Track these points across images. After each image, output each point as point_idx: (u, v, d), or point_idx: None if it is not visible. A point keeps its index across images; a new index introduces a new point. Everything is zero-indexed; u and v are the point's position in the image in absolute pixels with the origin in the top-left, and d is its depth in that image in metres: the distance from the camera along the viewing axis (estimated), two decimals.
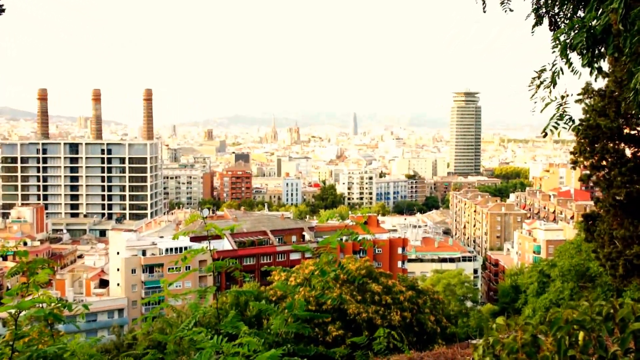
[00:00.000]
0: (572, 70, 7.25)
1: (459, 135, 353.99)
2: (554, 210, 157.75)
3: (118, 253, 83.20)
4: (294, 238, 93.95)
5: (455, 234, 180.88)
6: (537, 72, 7.66)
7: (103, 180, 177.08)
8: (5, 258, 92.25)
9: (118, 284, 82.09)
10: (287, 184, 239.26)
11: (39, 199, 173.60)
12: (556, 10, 8.29)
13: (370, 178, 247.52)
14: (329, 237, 6.40)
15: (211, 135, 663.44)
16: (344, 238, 7.01)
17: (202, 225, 7.61)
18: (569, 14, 8.22)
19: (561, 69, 7.27)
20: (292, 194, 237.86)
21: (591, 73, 7.22)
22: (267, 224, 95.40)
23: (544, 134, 7.94)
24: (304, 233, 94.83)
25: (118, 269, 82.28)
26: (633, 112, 18.51)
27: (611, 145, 19.68)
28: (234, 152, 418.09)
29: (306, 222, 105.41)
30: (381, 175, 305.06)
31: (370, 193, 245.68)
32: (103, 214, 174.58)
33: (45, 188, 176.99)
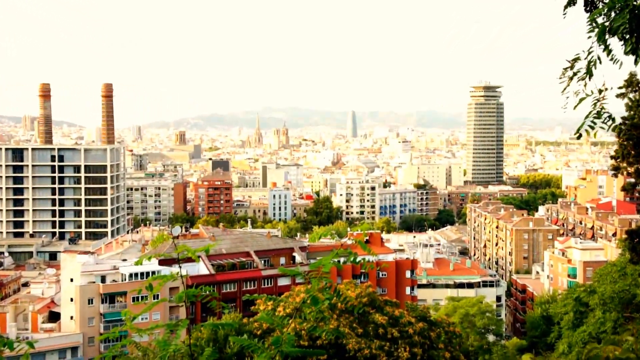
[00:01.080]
0: (612, 59, 7.16)
1: (478, 137, 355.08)
2: (592, 226, 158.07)
3: (72, 280, 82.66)
4: (282, 260, 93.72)
5: (474, 255, 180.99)
6: (569, 61, 7.59)
7: (53, 193, 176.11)
8: None
9: (71, 317, 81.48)
10: (274, 196, 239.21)
11: None
12: None
13: (373, 188, 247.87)
14: (324, 259, 6.35)
15: (184, 138, 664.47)
16: (342, 260, 6.96)
17: (173, 246, 7.58)
18: None
19: (599, 58, 7.17)
20: (280, 208, 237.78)
21: (636, 62, 7.13)
22: (250, 243, 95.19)
23: (578, 135, 7.86)
24: (294, 254, 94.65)
25: (72, 299, 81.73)
26: None
27: None
28: (211, 159, 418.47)
29: (297, 241, 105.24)
30: (385, 184, 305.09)
31: (373, 206, 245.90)
32: (53, 233, 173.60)
33: None
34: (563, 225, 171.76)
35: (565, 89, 7.74)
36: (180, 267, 6.79)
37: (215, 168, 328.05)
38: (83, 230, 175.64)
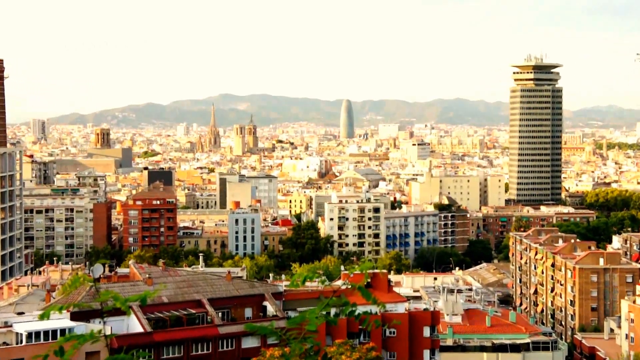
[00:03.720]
0: None
1: (526, 138, 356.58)
2: None
3: None
4: (248, 312, 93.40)
5: (521, 304, 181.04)
6: None
7: None
8: None
9: None
10: (236, 221, 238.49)
11: None
12: None
13: (376, 210, 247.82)
14: (308, 312, 6.34)
15: (108, 138, 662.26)
16: (333, 312, 6.99)
17: (93, 292, 7.57)
18: None
19: None
20: (245, 238, 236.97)
21: None
22: (203, 288, 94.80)
23: None
24: (265, 303, 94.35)
25: None
26: None
27: None
28: (146, 168, 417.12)
29: (269, 285, 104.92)
30: (394, 205, 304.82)
31: (377, 235, 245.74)
32: None
33: None
34: None
35: None
36: (103, 322, 6.81)
37: (153, 181, 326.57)
38: None
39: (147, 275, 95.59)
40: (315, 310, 6.60)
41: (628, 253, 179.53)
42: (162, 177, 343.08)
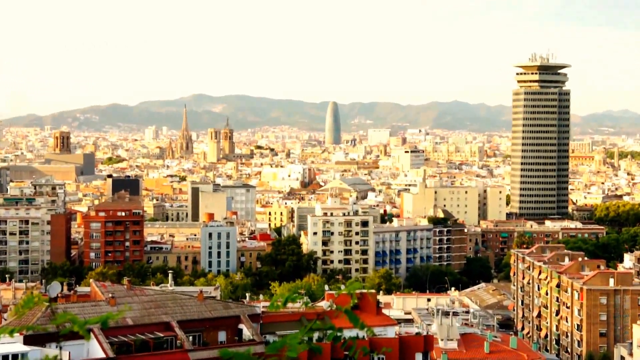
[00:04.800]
0: None
1: (529, 145, 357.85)
2: None
3: None
4: (222, 336, 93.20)
5: (523, 328, 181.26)
6: None
7: None
8: None
9: None
10: (209, 235, 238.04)
11: None
12: None
13: (365, 224, 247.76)
14: (289, 337, 6.31)
15: (67, 142, 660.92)
16: (316, 336, 6.95)
17: (49, 314, 7.52)
18: None
19: None
20: (219, 254, 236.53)
21: None
22: (172, 309, 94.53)
23: None
24: (240, 326, 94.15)
25: None
26: None
27: None
28: (110, 175, 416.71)
29: (245, 306, 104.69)
30: (385, 218, 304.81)
31: (365, 252, 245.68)
32: None
33: None
34: None
35: None
36: (60, 347, 6.75)
37: (117, 190, 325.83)
38: None
39: (110, 295, 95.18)
40: (297, 335, 6.56)
41: None
42: (127, 186, 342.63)
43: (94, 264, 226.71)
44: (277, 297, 8.71)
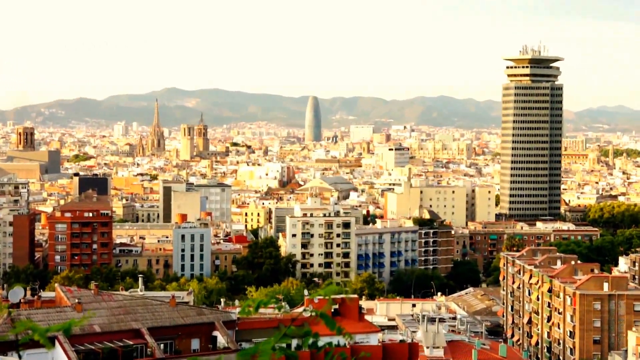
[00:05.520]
0: None
1: (520, 142, 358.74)
2: None
3: None
4: (195, 343, 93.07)
5: (513, 335, 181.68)
6: None
7: None
8: None
9: None
10: (182, 237, 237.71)
11: None
12: None
13: (347, 225, 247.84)
14: (263, 343, 6.28)
15: (31, 139, 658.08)
16: (293, 344, 6.94)
17: (9, 321, 7.47)
18: None
19: None
20: (192, 257, 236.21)
21: None
22: (142, 315, 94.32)
23: None
24: (215, 333, 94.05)
25: None
26: None
27: None
28: (77, 174, 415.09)
29: (220, 312, 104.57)
30: (367, 219, 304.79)
31: (347, 254, 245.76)
32: None
33: None
34: None
35: None
36: (19, 356, 6.72)
37: (84, 190, 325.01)
38: None
39: (77, 300, 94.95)
40: (270, 341, 6.54)
41: (636, 277, 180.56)
42: (95, 185, 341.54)
43: (59, 267, 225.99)
44: (248, 302, 8.66)
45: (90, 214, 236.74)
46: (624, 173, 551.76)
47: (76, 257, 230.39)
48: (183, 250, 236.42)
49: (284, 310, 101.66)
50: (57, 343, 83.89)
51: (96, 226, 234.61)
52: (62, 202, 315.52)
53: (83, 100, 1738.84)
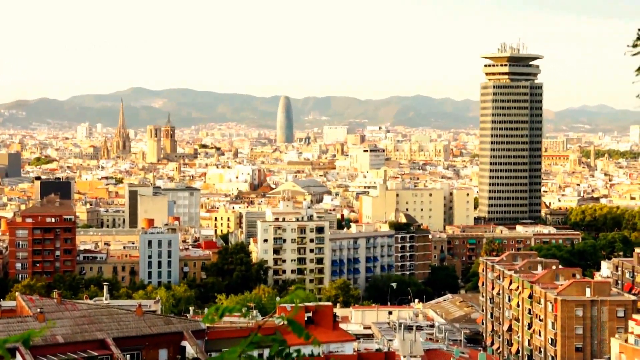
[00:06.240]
0: None
1: (499, 143, 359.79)
2: None
3: None
4: (163, 354, 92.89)
5: (493, 343, 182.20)
6: None
7: None
8: None
9: None
10: (149, 243, 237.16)
11: None
12: None
13: (320, 230, 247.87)
14: (226, 352, 6.27)
15: None
16: (265, 354, 6.95)
17: None
18: None
19: None
20: (159, 264, 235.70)
21: None
22: (107, 325, 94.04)
23: None
24: (183, 343, 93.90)
25: None
26: None
27: None
28: (39, 177, 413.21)
29: (189, 321, 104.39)
30: (342, 224, 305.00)
31: (320, 260, 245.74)
32: None
33: None
34: None
35: None
36: None
37: (46, 194, 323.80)
38: None
39: (39, 310, 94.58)
40: (236, 350, 6.56)
41: (619, 282, 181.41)
42: (58, 189, 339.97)
43: (20, 275, 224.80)
44: (212, 308, 8.62)
45: (53, 220, 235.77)
46: (605, 174, 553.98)
47: (38, 265, 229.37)
48: (150, 256, 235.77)
49: (254, 318, 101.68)
50: (17, 354, 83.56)
51: (59, 232, 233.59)
52: (23, 207, 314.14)
53: (45, 100, 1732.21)
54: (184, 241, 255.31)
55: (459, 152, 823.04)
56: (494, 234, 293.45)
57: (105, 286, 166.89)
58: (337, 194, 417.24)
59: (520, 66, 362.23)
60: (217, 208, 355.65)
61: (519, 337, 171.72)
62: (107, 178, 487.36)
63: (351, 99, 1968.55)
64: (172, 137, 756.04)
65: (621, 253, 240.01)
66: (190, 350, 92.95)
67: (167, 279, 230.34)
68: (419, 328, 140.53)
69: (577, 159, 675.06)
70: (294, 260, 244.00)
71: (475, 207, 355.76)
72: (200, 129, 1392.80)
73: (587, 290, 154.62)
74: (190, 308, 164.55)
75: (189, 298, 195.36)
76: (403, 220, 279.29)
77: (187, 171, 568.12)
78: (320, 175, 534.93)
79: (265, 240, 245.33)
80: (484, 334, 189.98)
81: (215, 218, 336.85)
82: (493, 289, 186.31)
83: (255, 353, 7.79)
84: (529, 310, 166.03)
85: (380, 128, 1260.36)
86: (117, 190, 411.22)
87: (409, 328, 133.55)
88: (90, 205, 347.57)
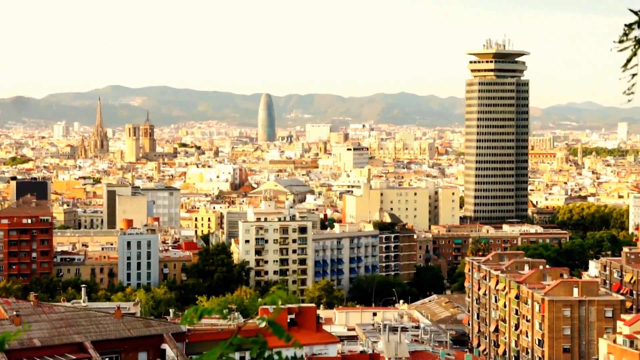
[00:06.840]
0: None
1: (484, 141, 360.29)
2: None
3: None
4: (142, 357, 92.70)
5: (479, 345, 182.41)
6: (636, 12, 7.71)
7: None
8: None
9: None
10: (128, 244, 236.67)
11: None
12: None
13: (303, 230, 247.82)
14: (205, 354, 6.24)
15: None
16: (247, 357, 6.91)
17: None
18: None
19: None
20: (139, 265, 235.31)
21: None
22: (85, 328, 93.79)
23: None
24: (163, 346, 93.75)
25: None
26: None
27: None
28: (14, 177, 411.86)
29: (169, 324, 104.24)
30: (325, 224, 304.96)
31: (303, 261, 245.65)
32: None
33: None
34: (631, 294, 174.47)
35: (630, 59, 7.84)
36: None
37: (22, 194, 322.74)
38: None
39: (15, 313, 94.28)
40: (215, 352, 6.53)
41: (607, 282, 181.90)
42: (34, 189, 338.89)
43: None
44: (191, 310, 8.56)
45: (29, 221, 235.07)
46: (593, 173, 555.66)
47: (14, 267, 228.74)
48: (129, 258, 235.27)
49: (235, 320, 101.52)
50: None
51: (35, 233, 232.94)
52: None
53: (20, 99, 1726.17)
54: (164, 242, 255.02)
55: (444, 150, 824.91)
56: (480, 233, 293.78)
57: (83, 288, 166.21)
58: (320, 194, 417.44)
59: (506, 62, 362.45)
60: (198, 208, 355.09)
61: (505, 338, 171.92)
62: (84, 178, 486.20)
63: (334, 97, 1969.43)
64: (151, 136, 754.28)
65: (609, 252, 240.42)
66: (170, 353, 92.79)
67: (146, 281, 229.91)
68: (404, 329, 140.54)
69: (564, 157, 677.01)
70: (277, 261, 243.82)
71: (461, 206, 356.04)
72: (180, 128, 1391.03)
73: (575, 290, 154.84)
74: (170, 310, 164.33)
75: (169, 300, 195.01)
76: (387, 220, 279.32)
77: (167, 171, 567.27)
78: (303, 175, 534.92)
79: (247, 241, 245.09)
80: (470, 335, 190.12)
81: (196, 218, 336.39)
82: (479, 289, 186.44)
83: (236, 355, 7.78)
84: (516, 310, 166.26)
85: (364, 126, 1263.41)
86: (94, 191, 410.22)
87: (393, 329, 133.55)
88: (68, 205, 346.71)
